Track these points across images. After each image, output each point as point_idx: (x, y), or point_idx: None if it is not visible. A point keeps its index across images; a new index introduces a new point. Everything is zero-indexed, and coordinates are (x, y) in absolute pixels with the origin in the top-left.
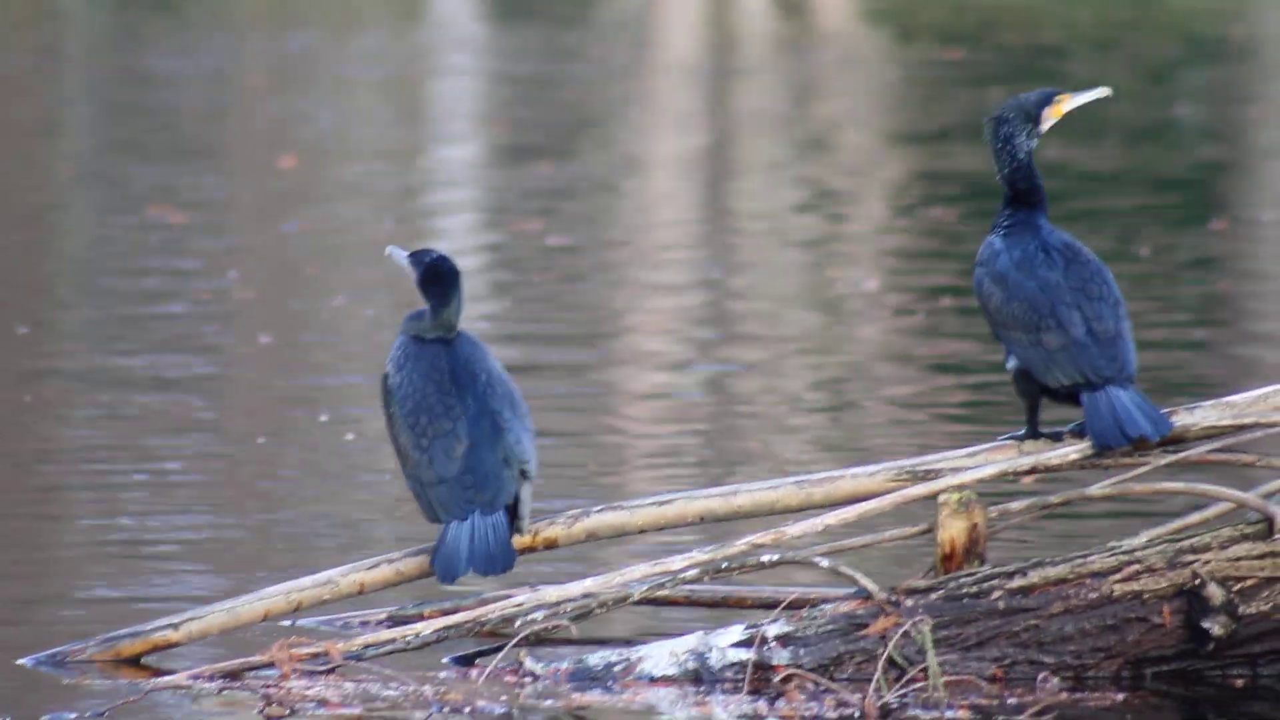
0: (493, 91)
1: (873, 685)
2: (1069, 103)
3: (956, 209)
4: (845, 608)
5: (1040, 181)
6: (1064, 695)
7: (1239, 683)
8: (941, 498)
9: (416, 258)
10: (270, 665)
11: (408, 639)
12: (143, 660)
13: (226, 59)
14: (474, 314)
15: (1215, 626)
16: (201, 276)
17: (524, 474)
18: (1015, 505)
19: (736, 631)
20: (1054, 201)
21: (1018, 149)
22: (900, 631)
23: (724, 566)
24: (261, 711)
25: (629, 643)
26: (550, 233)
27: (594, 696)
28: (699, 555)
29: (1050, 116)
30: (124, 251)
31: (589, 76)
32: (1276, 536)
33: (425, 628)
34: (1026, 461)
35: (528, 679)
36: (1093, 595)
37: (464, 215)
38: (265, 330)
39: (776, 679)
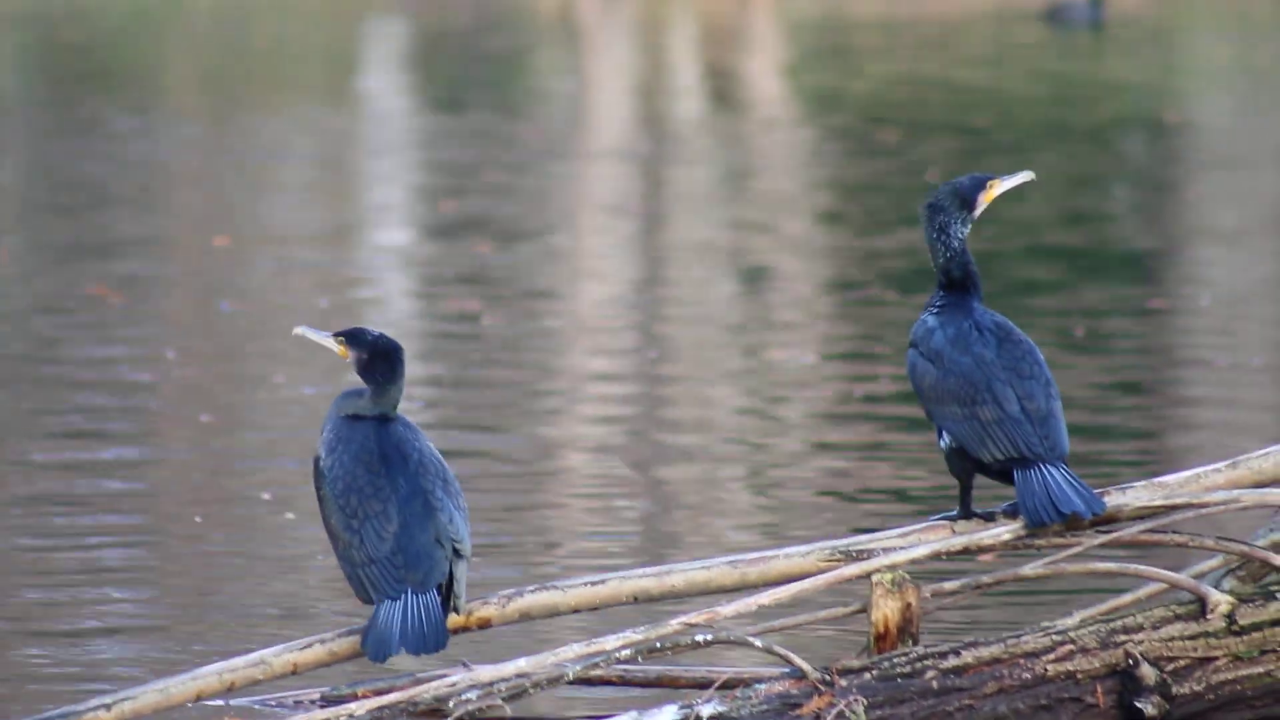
0: (426, 176)
1: None
2: (999, 187)
3: (892, 288)
4: (779, 687)
5: (974, 267)
6: None
7: None
8: (875, 578)
9: (354, 337)
10: None
11: (342, 719)
12: None
13: (158, 140)
14: (406, 392)
15: (1148, 706)
16: (140, 355)
17: (458, 553)
18: (949, 585)
19: (670, 712)
20: (990, 283)
21: (952, 237)
22: (834, 711)
23: (658, 646)
24: None
25: None
26: (487, 313)
27: None
28: (633, 635)
29: (983, 201)
30: (61, 330)
31: (521, 160)
32: (1209, 617)
33: (359, 708)
34: (959, 541)
35: None
36: (1026, 675)
37: (398, 295)
38: (205, 409)
39: None
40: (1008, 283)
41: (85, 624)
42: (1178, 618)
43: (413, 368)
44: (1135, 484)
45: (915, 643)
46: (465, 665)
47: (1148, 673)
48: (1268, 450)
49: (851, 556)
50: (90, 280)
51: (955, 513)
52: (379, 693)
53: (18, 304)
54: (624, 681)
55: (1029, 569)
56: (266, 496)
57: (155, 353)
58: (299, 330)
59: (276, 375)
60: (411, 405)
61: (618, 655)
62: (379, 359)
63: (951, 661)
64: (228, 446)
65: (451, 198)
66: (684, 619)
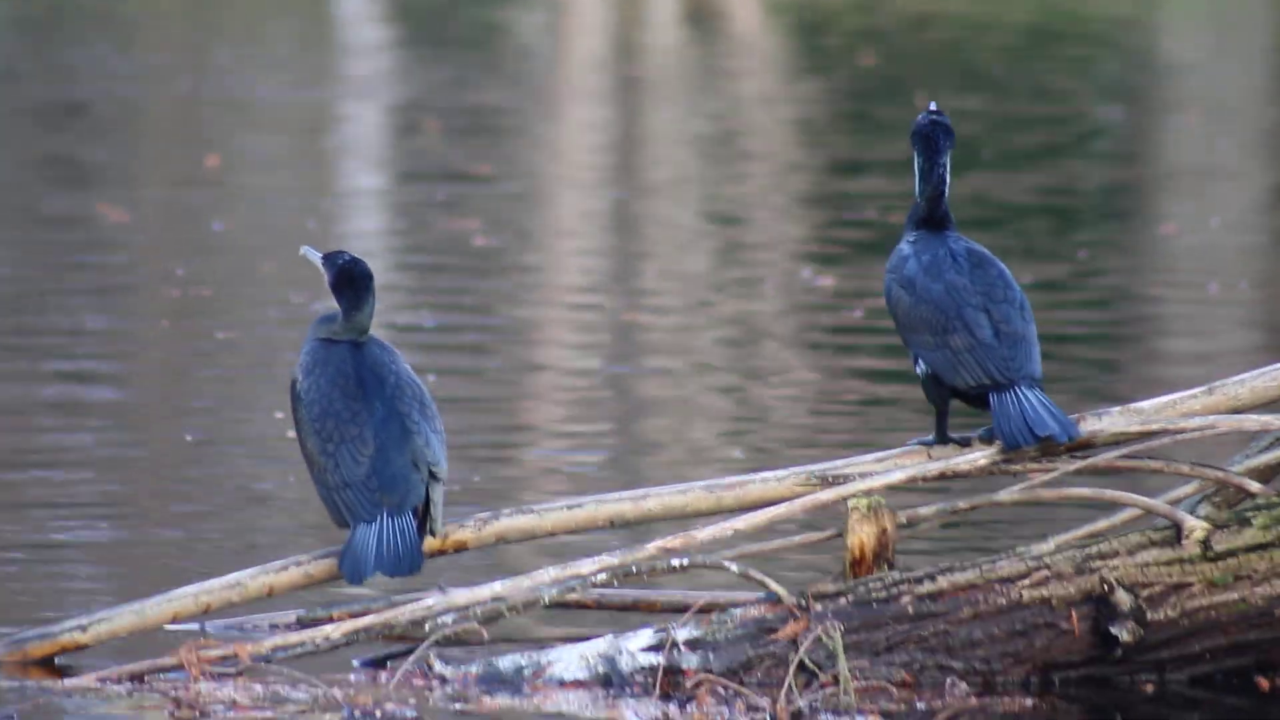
0: (406, 112)
1: (783, 690)
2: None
3: (880, 211)
4: (755, 612)
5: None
6: (973, 700)
7: (1147, 688)
8: (850, 503)
9: (329, 260)
10: (179, 667)
11: (317, 641)
12: (52, 661)
13: (137, 69)
14: (387, 310)
15: (1123, 632)
16: (152, 275)
17: (434, 476)
18: (924, 510)
19: (646, 635)
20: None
21: (944, 168)
22: (810, 636)
23: (634, 570)
24: (170, 714)
25: (539, 646)
26: (476, 234)
27: (504, 699)
28: (609, 559)
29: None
30: (70, 250)
31: (499, 93)
32: (1184, 543)
33: (335, 630)
34: (935, 467)
35: (437, 682)
36: (1001, 601)
37: (382, 217)
38: (223, 327)
39: (687, 683)
40: (1009, 208)
41: (65, 544)
42: (1153, 544)
43: (391, 285)
44: (1111, 410)
45: (891, 568)
46: (441, 589)
47: (1123, 598)
48: (1244, 376)
49: (827, 481)
50: (97, 197)
51: (931, 438)
52: (355, 615)
53: (24, 220)
54: (600, 605)
55: (1004, 495)
56: (280, 416)
57: (167, 272)
58: (304, 250)
59: (293, 293)
60: (392, 320)
61: (594, 579)
62: (344, 283)
63: (927, 586)
64: (247, 363)
65: (434, 118)
66: (660, 543)
